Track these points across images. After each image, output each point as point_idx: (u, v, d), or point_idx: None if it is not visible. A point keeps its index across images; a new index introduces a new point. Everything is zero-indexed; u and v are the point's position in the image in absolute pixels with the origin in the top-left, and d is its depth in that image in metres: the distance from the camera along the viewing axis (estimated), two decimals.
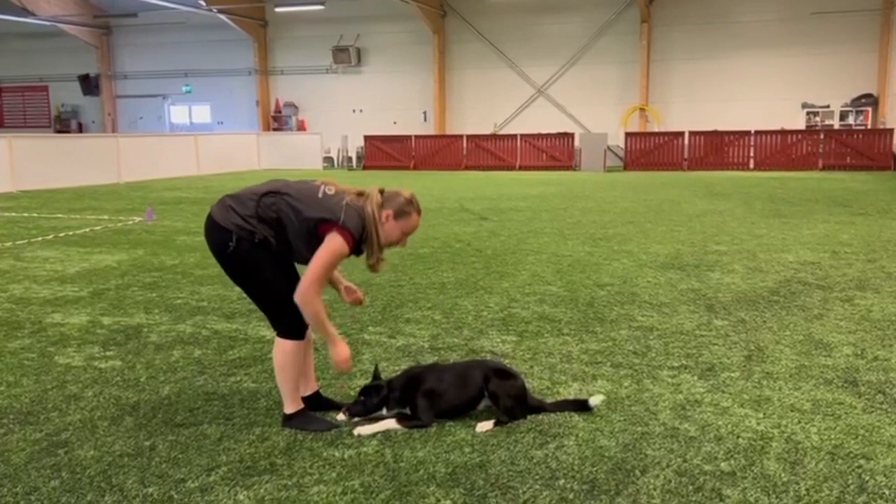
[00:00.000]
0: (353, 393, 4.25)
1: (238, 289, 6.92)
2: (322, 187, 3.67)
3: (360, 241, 3.61)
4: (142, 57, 33.40)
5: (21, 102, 35.94)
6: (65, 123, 34.48)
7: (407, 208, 3.66)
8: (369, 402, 3.76)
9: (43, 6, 29.88)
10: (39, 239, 10.38)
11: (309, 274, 3.53)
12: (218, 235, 3.63)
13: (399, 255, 8.72)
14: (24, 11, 29.17)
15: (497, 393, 3.79)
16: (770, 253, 8.56)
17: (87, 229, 11.29)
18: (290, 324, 3.70)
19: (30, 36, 33.28)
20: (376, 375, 3.89)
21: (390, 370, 4.63)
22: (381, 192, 3.67)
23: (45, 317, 6.09)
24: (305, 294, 3.53)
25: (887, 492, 3.08)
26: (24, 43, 34.08)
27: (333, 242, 3.51)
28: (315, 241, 3.55)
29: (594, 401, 3.90)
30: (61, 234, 10.76)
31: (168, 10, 29.32)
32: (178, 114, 34.06)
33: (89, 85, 33.59)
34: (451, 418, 3.81)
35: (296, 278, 3.80)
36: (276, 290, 3.67)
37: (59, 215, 13.27)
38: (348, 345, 4.48)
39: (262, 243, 3.59)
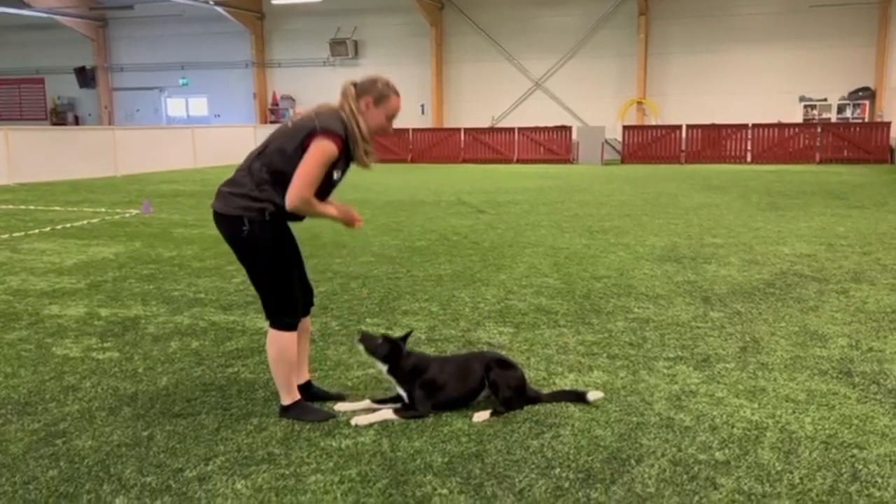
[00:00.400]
0: (349, 384, 4.28)
1: (236, 280, 6.97)
2: (288, 121, 3.70)
3: (347, 141, 3.58)
4: (138, 49, 33.29)
5: (17, 95, 35.83)
6: (61, 116, 34.39)
7: (385, 91, 3.65)
8: (380, 349, 3.80)
9: None
10: (36, 231, 10.38)
11: (296, 180, 3.48)
12: (229, 225, 3.63)
13: (397, 247, 8.74)
14: (21, 3, 29.04)
15: (497, 383, 3.81)
16: (766, 245, 8.59)
17: (85, 222, 11.28)
18: (287, 316, 3.72)
19: (26, 28, 33.15)
20: (405, 338, 3.90)
21: None
22: (355, 84, 3.66)
23: (42, 308, 6.09)
24: (296, 199, 3.49)
25: (880, 480, 3.11)
26: (20, 35, 33.94)
27: (318, 145, 3.48)
28: None
29: (592, 396, 3.92)
30: (58, 227, 10.75)
31: (165, 2, 29.25)
32: (174, 106, 33.97)
33: (85, 77, 33.49)
34: (451, 410, 3.83)
35: (302, 265, 3.86)
36: (282, 277, 3.69)
37: (56, 208, 13.26)
38: (348, 336, 4.47)
39: (273, 220, 3.59)
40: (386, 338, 3.86)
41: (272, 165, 3.57)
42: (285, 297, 3.71)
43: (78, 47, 33.42)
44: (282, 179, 3.55)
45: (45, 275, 7.42)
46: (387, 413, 3.75)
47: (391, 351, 3.82)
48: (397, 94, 3.71)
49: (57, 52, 33.77)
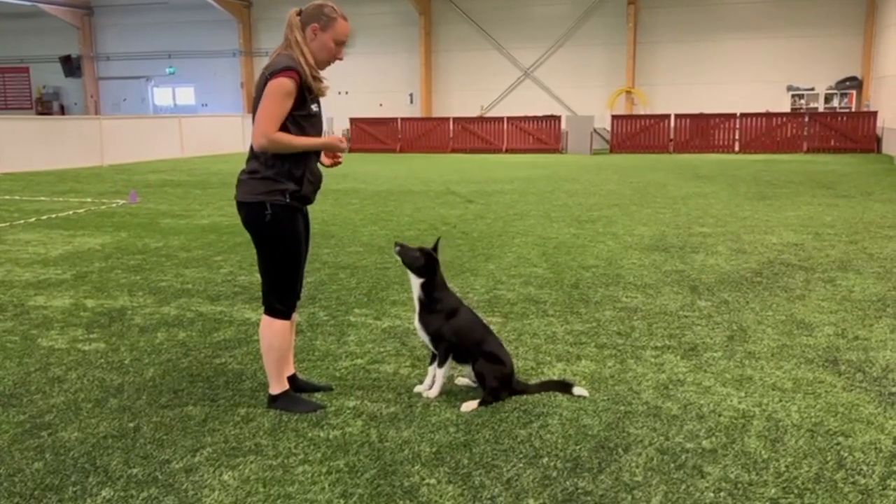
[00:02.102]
0: (337, 374, 4.27)
1: (223, 271, 6.94)
2: (253, 93, 3.67)
3: (303, 75, 3.52)
4: (124, 38, 33.01)
5: (2, 84, 35.47)
6: (47, 105, 34.10)
7: (332, 14, 3.60)
8: (416, 261, 3.81)
9: None
10: (21, 222, 10.29)
11: (256, 122, 3.48)
12: (251, 211, 3.60)
13: (385, 237, 8.72)
14: None
15: (484, 374, 3.81)
16: (754, 235, 8.62)
17: (70, 212, 11.19)
18: (283, 304, 3.72)
19: (9, 16, 32.79)
20: (436, 248, 3.91)
21: (376, 351, 4.65)
22: (299, 12, 3.62)
23: (27, 300, 6.05)
24: (259, 136, 3.46)
25: (865, 468, 3.13)
26: (3, 23, 33.58)
27: (270, 85, 3.45)
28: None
29: (578, 391, 3.92)
30: (44, 217, 10.66)
31: None
32: (161, 96, 33.74)
33: (71, 66, 33.20)
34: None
35: (306, 256, 3.85)
36: (292, 265, 3.70)
37: (42, 198, 13.15)
38: (336, 326, 4.44)
39: (293, 199, 3.58)
40: (422, 249, 3.86)
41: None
42: (288, 285, 3.72)
43: (63, 36, 33.11)
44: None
45: (30, 266, 7.36)
46: (438, 376, 3.88)
47: (427, 263, 3.82)
48: (344, 17, 3.64)
49: (42, 41, 33.44)
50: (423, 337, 3.91)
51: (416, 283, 3.87)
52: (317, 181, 3.72)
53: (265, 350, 3.76)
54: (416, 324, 3.91)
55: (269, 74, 3.47)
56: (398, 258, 3.89)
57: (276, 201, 3.55)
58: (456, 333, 3.83)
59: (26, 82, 34.99)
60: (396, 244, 3.90)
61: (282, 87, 3.45)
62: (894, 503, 2.88)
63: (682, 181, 14.90)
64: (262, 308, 3.77)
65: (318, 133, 3.70)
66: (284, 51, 3.57)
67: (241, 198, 3.63)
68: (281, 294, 3.71)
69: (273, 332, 3.72)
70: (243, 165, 3.69)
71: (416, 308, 3.89)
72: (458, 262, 7.30)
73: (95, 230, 9.50)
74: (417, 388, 3.99)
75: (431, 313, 3.84)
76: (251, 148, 3.65)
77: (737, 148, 24.14)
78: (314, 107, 3.62)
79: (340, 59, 3.71)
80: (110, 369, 4.40)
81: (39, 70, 34.23)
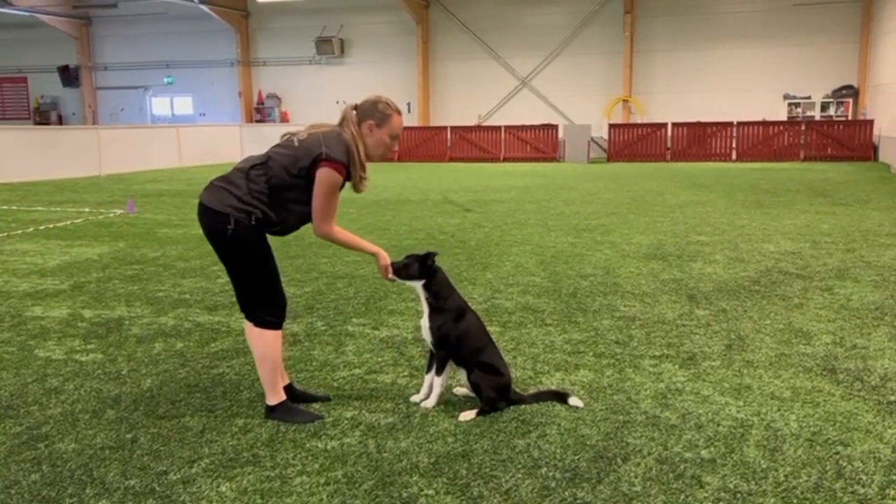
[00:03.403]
0: (335, 384, 4.26)
1: (221, 280, 6.93)
2: (293, 138, 3.67)
3: (349, 166, 3.61)
4: (122, 48, 33.03)
5: (0, 94, 35.48)
6: (45, 115, 34.09)
7: (387, 111, 3.68)
8: (411, 269, 3.88)
9: None
10: (19, 232, 10.28)
11: (315, 215, 3.60)
12: (214, 220, 3.58)
13: (383, 246, 8.69)
14: (2, 2, 28.74)
15: (480, 385, 3.80)
16: (751, 243, 8.63)
17: (68, 222, 11.18)
18: (271, 313, 3.71)
19: (8, 26, 32.81)
20: (427, 255, 3.96)
21: (374, 361, 4.65)
22: (356, 107, 3.69)
23: (25, 310, 6.03)
24: (322, 230, 3.62)
25: (864, 477, 3.12)
26: (2, 33, 33.58)
27: (323, 175, 3.53)
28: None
29: (574, 401, 3.91)
30: (41, 227, 10.65)
31: (149, 1, 29.00)
32: (159, 105, 33.75)
33: (69, 76, 33.21)
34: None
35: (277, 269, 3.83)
36: (266, 276, 3.68)
37: (39, 208, 13.14)
38: (334, 336, 4.45)
39: (259, 224, 3.58)
40: (407, 256, 3.93)
41: (273, 180, 3.56)
42: (269, 295, 3.70)
43: (61, 46, 33.12)
44: (280, 197, 3.58)
45: (27, 276, 7.35)
46: (436, 385, 3.87)
47: (421, 266, 3.87)
48: (398, 111, 3.74)
49: (40, 51, 33.46)
50: (428, 338, 3.89)
51: (418, 287, 3.89)
52: (285, 233, 3.78)
53: (259, 362, 3.75)
54: (425, 325, 3.87)
55: (325, 157, 3.51)
56: (400, 282, 3.94)
57: (241, 219, 3.54)
58: (459, 338, 3.83)
59: (24, 92, 34.99)
60: (392, 270, 3.88)
61: (335, 182, 3.57)
62: None
63: (680, 189, 14.92)
64: (250, 321, 3.75)
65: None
66: (342, 133, 3.62)
67: (206, 201, 3.60)
68: (267, 305, 3.70)
69: (265, 343, 3.71)
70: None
71: (426, 311, 3.88)
72: (455, 271, 7.30)
73: (93, 240, 9.49)
74: (414, 398, 3.98)
75: (441, 313, 3.84)
76: (245, 162, 3.66)
77: (734, 156, 24.18)
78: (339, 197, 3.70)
79: (395, 150, 3.86)
80: (107, 380, 4.39)
81: (37, 80, 34.24)
